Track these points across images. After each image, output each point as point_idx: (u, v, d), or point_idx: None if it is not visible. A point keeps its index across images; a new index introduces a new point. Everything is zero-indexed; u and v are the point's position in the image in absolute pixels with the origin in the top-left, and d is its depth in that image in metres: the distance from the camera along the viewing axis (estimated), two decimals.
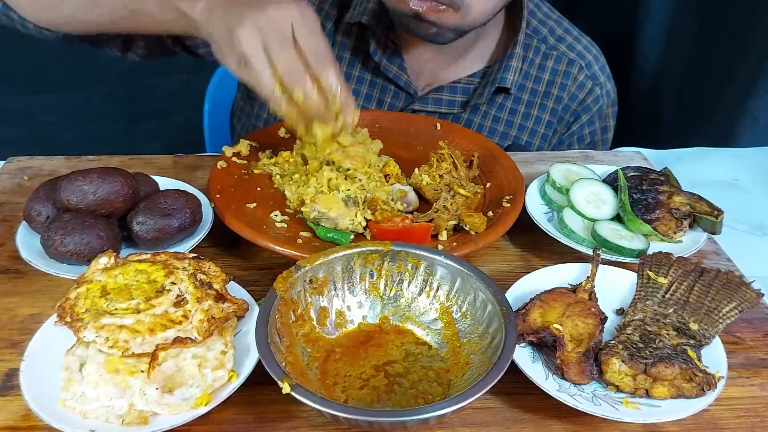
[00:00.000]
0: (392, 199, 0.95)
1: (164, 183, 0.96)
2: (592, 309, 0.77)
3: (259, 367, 0.66)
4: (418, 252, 0.79)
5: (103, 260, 0.75)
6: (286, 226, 0.92)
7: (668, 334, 0.75)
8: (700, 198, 0.96)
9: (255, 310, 0.74)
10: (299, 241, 0.88)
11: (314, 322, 0.76)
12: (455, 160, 0.99)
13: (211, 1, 0.86)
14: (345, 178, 0.94)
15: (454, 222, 0.91)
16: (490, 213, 0.94)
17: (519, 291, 0.81)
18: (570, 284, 0.83)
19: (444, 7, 1.06)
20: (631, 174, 1.02)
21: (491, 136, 1.26)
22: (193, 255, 0.77)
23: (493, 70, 1.25)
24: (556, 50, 1.28)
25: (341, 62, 1.28)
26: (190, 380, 0.66)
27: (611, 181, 1.02)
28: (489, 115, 1.27)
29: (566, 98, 1.28)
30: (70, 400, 0.65)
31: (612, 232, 0.90)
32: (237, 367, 0.69)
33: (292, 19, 0.81)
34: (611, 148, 1.28)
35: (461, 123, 1.26)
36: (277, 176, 1.01)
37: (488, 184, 1.02)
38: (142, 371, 0.65)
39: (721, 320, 0.78)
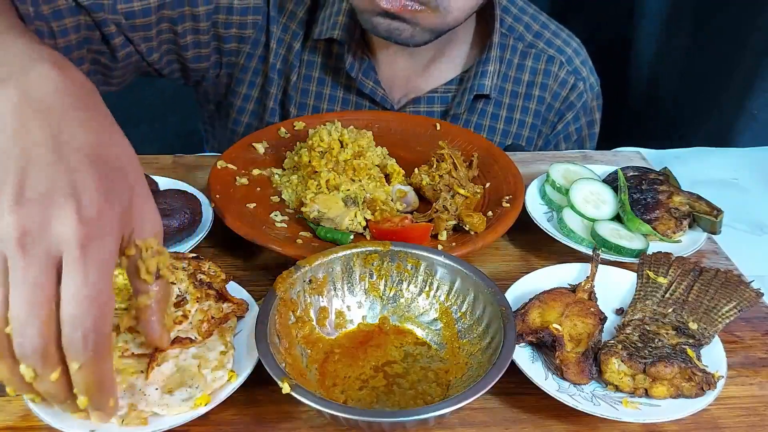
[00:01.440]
0: (392, 200, 0.96)
1: (164, 183, 0.96)
2: (592, 309, 0.77)
3: (258, 368, 0.66)
4: (417, 252, 0.79)
5: None
6: (286, 226, 0.92)
7: (667, 334, 0.75)
8: (700, 197, 0.96)
9: (255, 310, 0.74)
10: (299, 241, 0.88)
11: (314, 323, 0.76)
12: (455, 161, 0.99)
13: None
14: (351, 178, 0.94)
15: (453, 222, 0.91)
16: (490, 213, 0.94)
17: (518, 291, 0.81)
18: (569, 284, 0.83)
19: (422, 7, 1.00)
20: (631, 174, 1.02)
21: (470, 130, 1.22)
22: (193, 255, 0.77)
23: (469, 75, 1.20)
24: (534, 48, 1.23)
25: (310, 82, 1.22)
26: (190, 381, 0.66)
27: (611, 181, 1.02)
28: (471, 123, 1.23)
29: (548, 98, 1.24)
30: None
31: (611, 232, 0.90)
32: (236, 367, 0.69)
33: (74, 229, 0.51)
34: (610, 148, 1.28)
35: None
36: (276, 176, 1.01)
37: (488, 184, 1.02)
38: (142, 372, 0.65)
39: (720, 319, 0.78)
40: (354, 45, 1.18)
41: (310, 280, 0.77)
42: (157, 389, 0.65)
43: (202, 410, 0.64)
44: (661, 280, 0.83)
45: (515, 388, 0.72)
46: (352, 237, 0.89)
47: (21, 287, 0.50)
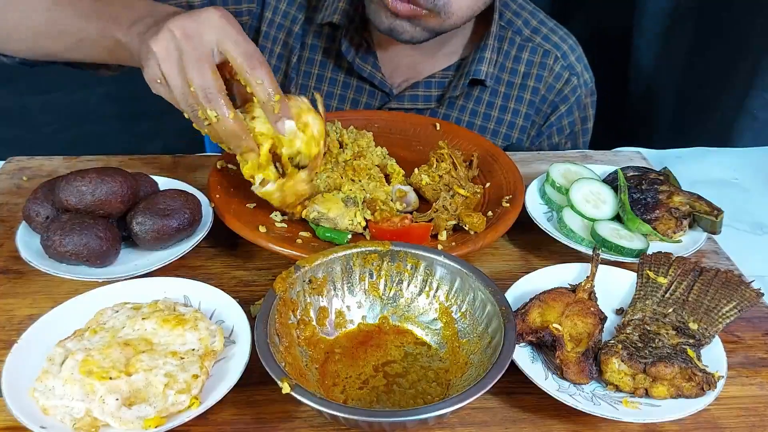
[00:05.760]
0: (392, 200, 0.95)
1: (164, 183, 0.96)
2: (592, 309, 0.77)
3: (258, 368, 0.66)
4: (417, 252, 0.79)
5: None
6: (286, 226, 0.92)
7: (668, 334, 0.75)
8: (700, 197, 0.96)
9: (242, 341, 0.72)
10: (299, 241, 0.88)
11: (314, 323, 0.76)
12: (455, 160, 0.99)
13: (143, 24, 0.83)
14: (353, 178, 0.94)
15: (453, 222, 0.91)
16: (490, 213, 0.94)
17: (518, 291, 0.81)
18: (570, 284, 0.83)
19: (425, 11, 1.06)
20: (631, 174, 1.02)
21: (470, 130, 1.25)
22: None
23: (466, 62, 1.24)
24: (531, 42, 1.28)
25: (312, 65, 1.27)
26: (152, 398, 0.64)
27: (611, 180, 1.02)
28: (466, 109, 1.27)
29: (543, 89, 1.27)
30: (39, 391, 0.64)
31: (611, 232, 0.90)
32: (207, 392, 0.67)
33: (214, 29, 0.77)
34: (610, 148, 1.28)
35: (438, 118, 1.24)
36: None
37: (488, 184, 1.02)
38: (111, 378, 0.64)
39: (720, 319, 0.78)
40: (352, 30, 1.22)
41: (310, 280, 0.77)
42: (117, 399, 0.63)
43: None
44: (661, 280, 0.83)
45: (515, 388, 0.72)
46: (350, 237, 0.89)
47: (193, 63, 0.76)
